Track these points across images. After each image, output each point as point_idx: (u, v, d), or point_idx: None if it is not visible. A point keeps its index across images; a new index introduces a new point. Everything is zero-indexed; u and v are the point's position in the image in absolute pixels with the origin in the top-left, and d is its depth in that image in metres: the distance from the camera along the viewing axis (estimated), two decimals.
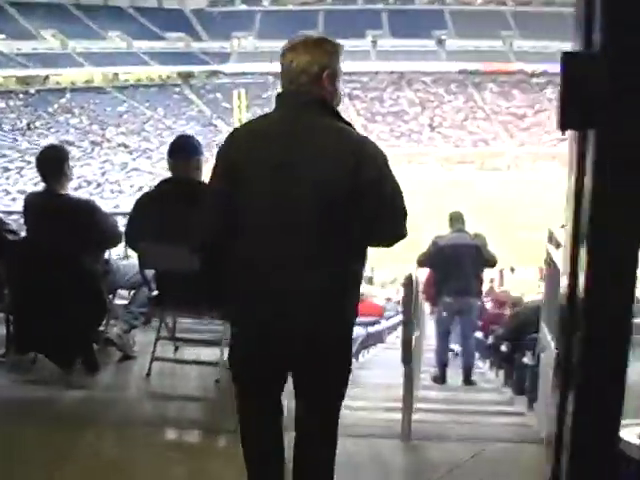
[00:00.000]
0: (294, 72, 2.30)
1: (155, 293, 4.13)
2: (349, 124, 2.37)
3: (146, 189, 40.94)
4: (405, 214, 2.34)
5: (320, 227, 2.21)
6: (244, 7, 65.65)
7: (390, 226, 2.33)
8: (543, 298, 4.65)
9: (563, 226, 4.55)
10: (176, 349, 4.63)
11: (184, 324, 4.81)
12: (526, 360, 5.23)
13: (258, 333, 2.34)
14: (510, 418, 5.04)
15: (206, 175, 3.84)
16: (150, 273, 4.27)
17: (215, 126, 53.75)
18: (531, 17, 63.99)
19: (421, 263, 7.23)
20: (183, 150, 3.97)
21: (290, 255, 2.23)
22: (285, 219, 2.23)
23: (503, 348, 6.35)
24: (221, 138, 50.63)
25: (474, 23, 62.40)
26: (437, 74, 61.11)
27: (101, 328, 4.57)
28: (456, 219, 7.24)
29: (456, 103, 58.96)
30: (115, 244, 4.51)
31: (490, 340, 7.86)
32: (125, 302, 4.97)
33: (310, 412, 2.47)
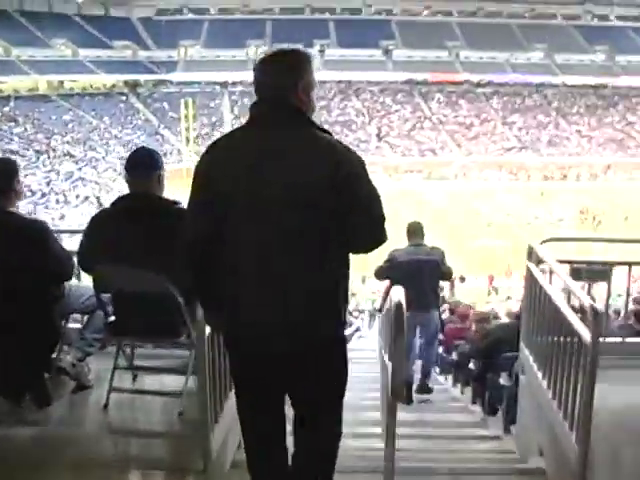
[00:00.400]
0: (269, 83, 2.35)
1: (112, 318, 3.83)
2: (326, 131, 2.40)
3: (93, 199, 40.08)
4: (383, 219, 2.37)
5: (301, 232, 2.26)
6: (191, 16, 65.90)
7: (368, 232, 2.35)
8: (522, 318, 4.51)
9: (544, 242, 4.35)
10: (134, 377, 4.30)
11: (144, 350, 4.51)
12: (502, 381, 5.11)
13: (248, 335, 2.39)
14: (489, 443, 4.91)
15: (169, 190, 3.88)
16: (106, 296, 3.93)
17: (162, 135, 53.54)
18: (477, 28, 65.85)
19: (379, 276, 7.10)
20: (142, 165, 3.67)
21: (274, 260, 2.28)
22: (267, 226, 2.27)
23: (472, 366, 6.22)
24: (168, 148, 50.60)
25: (421, 33, 63.98)
26: (384, 84, 62.39)
27: (53, 356, 4.21)
28: (414, 231, 7.06)
29: (403, 113, 60.02)
30: (68, 278, 4.13)
31: (454, 356, 7.70)
32: (79, 326, 4.60)
33: (310, 422, 2.54)
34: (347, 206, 2.28)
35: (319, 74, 58.44)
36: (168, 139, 53.18)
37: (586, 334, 3.06)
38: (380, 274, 7.06)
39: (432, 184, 47.62)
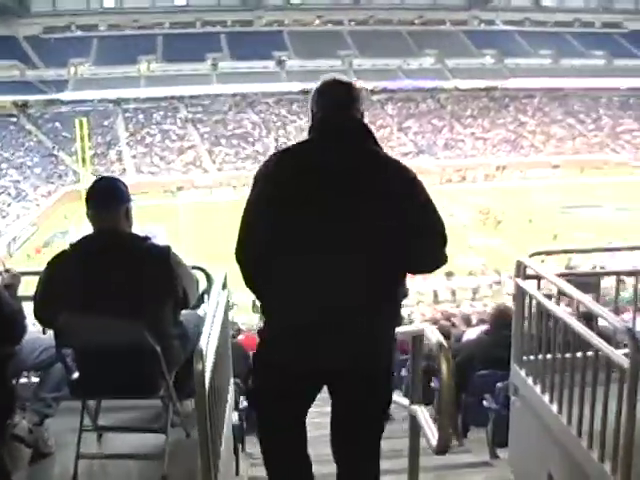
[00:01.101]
0: (335, 100, 3.23)
1: (75, 375, 3.99)
2: (381, 147, 3.20)
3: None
4: (446, 241, 3.05)
5: (369, 258, 2.95)
6: (80, 33, 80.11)
7: (434, 254, 3.06)
8: (514, 337, 5.29)
9: (532, 255, 5.51)
10: (100, 436, 4.55)
11: (107, 402, 4.61)
12: (486, 403, 5.89)
13: (304, 349, 3.03)
14: (484, 473, 5.68)
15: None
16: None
17: (56, 157, 66.22)
18: (368, 36, 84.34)
19: None
20: (108, 197, 3.96)
21: (338, 281, 2.94)
22: (334, 250, 2.95)
23: (435, 384, 6.85)
24: (63, 169, 64.94)
25: (313, 43, 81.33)
26: (279, 95, 78.98)
27: (6, 422, 4.21)
28: None
29: (300, 123, 75.80)
30: (19, 340, 4.21)
31: (404, 372, 8.84)
32: (34, 381, 4.90)
33: (351, 440, 3.32)
34: (414, 232, 2.95)
35: (212, 87, 74.46)
36: (63, 160, 65.49)
37: (621, 359, 3.61)
38: None
39: None
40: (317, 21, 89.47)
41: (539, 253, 6.15)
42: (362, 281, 2.98)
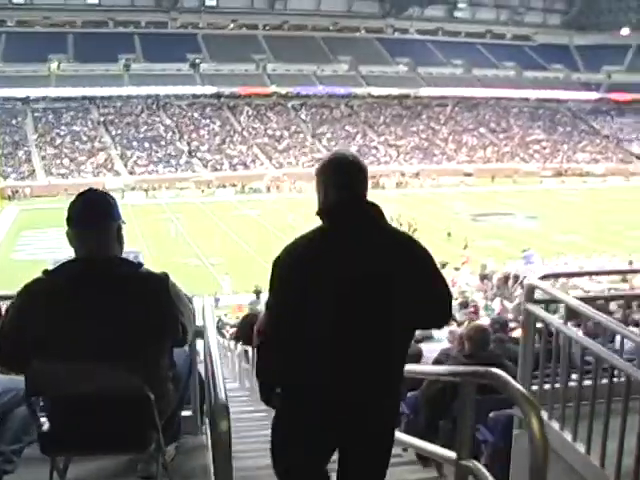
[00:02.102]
0: (351, 177, 3.28)
1: (46, 426, 3.40)
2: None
3: None
4: (451, 299, 3.36)
5: (387, 331, 3.16)
6: None
7: (441, 314, 3.36)
8: (521, 367, 5.13)
9: (543, 277, 5.34)
10: None
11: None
12: (481, 436, 5.67)
13: (327, 419, 3.20)
14: None
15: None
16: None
17: None
18: (283, 41, 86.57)
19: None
20: (97, 214, 3.33)
21: (359, 351, 3.15)
22: (352, 331, 3.13)
23: (406, 413, 6.82)
24: None
25: (227, 47, 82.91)
26: (192, 98, 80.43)
27: None
28: None
29: (213, 127, 77.82)
30: None
31: None
32: None
33: None
34: (426, 294, 3.18)
35: (125, 89, 75.15)
36: None
37: None
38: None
39: (245, 198, 61.18)
40: (232, 25, 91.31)
41: (548, 276, 6.08)
42: (383, 364, 3.27)
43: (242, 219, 52.64)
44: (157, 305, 3.31)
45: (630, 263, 36.64)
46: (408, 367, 3.79)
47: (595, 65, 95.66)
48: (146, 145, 73.47)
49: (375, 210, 3.34)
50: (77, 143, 71.68)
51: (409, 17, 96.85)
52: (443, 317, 3.43)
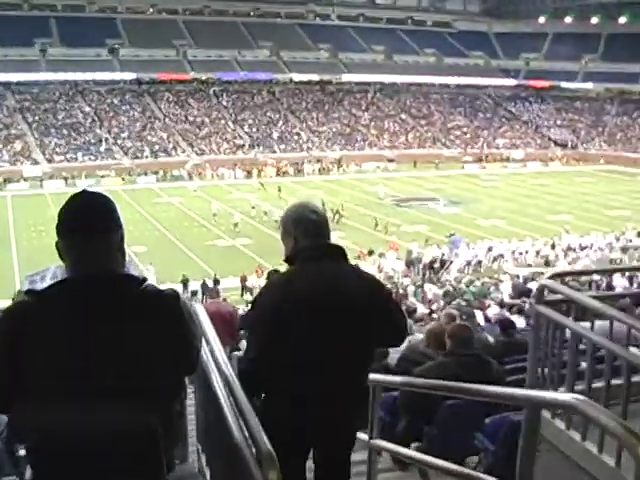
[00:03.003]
0: (317, 227, 3.79)
1: (29, 474, 2.92)
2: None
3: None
4: (406, 324, 4.03)
5: (355, 354, 3.73)
6: None
7: (399, 337, 4.01)
8: (530, 371, 5.14)
9: (552, 277, 5.34)
10: None
11: None
12: (480, 443, 5.48)
13: (309, 426, 3.69)
14: None
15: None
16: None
17: None
18: (204, 26, 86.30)
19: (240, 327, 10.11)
20: (98, 221, 2.79)
21: (333, 377, 3.65)
22: (329, 354, 3.61)
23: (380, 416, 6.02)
24: None
25: (147, 32, 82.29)
26: (112, 84, 79.45)
27: None
28: None
29: (133, 113, 77.28)
30: None
31: None
32: None
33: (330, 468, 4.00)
34: (385, 320, 3.73)
35: (41, 75, 73.80)
36: None
37: None
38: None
39: (166, 185, 61.70)
40: (151, 9, 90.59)
41: (558, 275, 5.99)
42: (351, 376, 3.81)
43: (164, 207, 52.83)
44: (170, 329, 2.76)
45: (552, 246, 38.16)
46: (449, 383, 4.32)
47: (514, 52, 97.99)
48: (64, 132, 72.59)
49: (341, 252, 3.84)
50: None
51: (330, 3, 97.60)
52: (400, 339, 4.08)
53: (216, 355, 3.76)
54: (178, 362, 2.86)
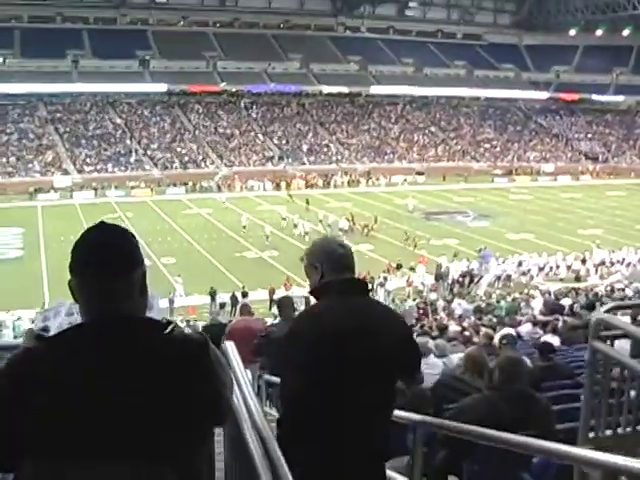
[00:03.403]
0: (343, 261, 3.76)
1: None
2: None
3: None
4: (420, 359, 4.06)
5: (385, 393, 3.66)
6: None
7: (416, 376, 4.03)
8: (585, 413, 4.73)
9: (609, 310, 4.98)
10: None
11: None
12: None
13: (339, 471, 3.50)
14: None
15: None
16: None
17: None
18: (234, 38, 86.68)
19: (255, 353, 9.59)
20: (114, 257, 2.42)
21: (362, 419, 3.55)
22: (358, 396, 3.50)
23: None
24: None
25: (178, 44, 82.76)
26: (142, 95, 79.84)
27: None
28: (286, 305, 9.71)
29: (163, 125, 77.65)
30: None
31: None
32: None
33: None
34: (409, 361, 3.76)
35: (73, 86, 74.49)
36: None
37: None
38: (255, 350, 9.55)
39: (196, 197, 61.79)
40: (182, 22, 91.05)
41: (614, 308, 5.74)
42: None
43: (193, 218, 52.97)
44: (197, 380, 2.39)
45: (583, 261, 37.77)
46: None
47: (544, 65, 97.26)
48: (95, 143, 72.97)
49: (366, 286, 3.84)
50: (24, 141, 70.70)
51: (360, 15, 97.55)
52: (412, 378, 4.06)
53: (248, 402, 3.47)
54: (206, 415, 2.47)
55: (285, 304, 9.92)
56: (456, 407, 5.81)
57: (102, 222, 2.54)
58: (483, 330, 11.33)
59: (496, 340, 11.39)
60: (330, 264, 3.75)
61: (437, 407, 6.33)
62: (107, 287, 2.37)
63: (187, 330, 2.66)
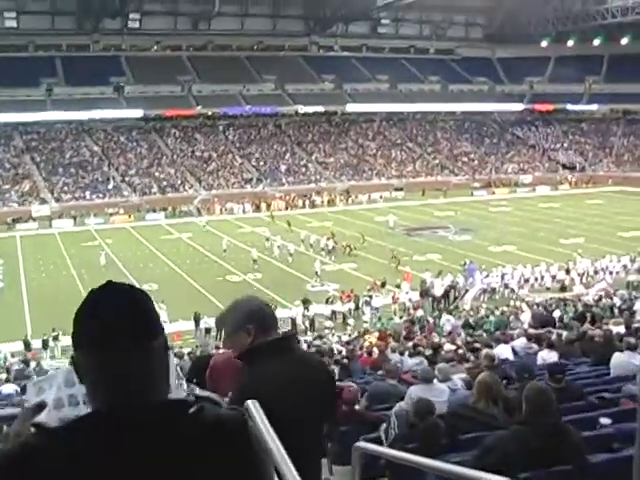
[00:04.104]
0: (272, 320, 3.78)
1: None
2: None
3: None
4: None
5: (318, 431, 3.82)
6: None
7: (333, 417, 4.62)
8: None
9: None
10: None
11: None
12: None
13: None
14: None
15: None
16: None
17: None
18: (207, 61, 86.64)
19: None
20: (130, 327, 1.90)
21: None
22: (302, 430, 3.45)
23: None
24: None
25: (152, 69, 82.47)
26: (118, 121, 79.51)
27: None
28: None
29: (140, 150, 77.37)
30: None
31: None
32: None
33: None
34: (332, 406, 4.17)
35: (48, 114, 74.07)
36: None
37: None
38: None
39: (175, 222, 61.40)
40: (155, 46, 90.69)
41: None
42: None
43: (174, 243, 52.62)
44: (237, 471, 1.95)
45: (567, 271, 37.78)
46: None
47: (518, 77, 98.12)
48: (72, 171, 72.62)
49: (294, 340, 3.96)
50: (0, 171, 70.30)
51: (333, 34, 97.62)
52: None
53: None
54: None
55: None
56: (482, 446, 5.27)
57: (111, 283, 2.02)
58: (484, 351, 10.99)
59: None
60: (260, 324, 3.64)
61: (452, 438, 6.07)
62: (124, 365, 1.88)
63: (219, 407, 2.27)
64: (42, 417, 2.11)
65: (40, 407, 2.09)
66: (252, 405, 3.08)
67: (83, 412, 2.08)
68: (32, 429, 1.95)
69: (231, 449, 1.94)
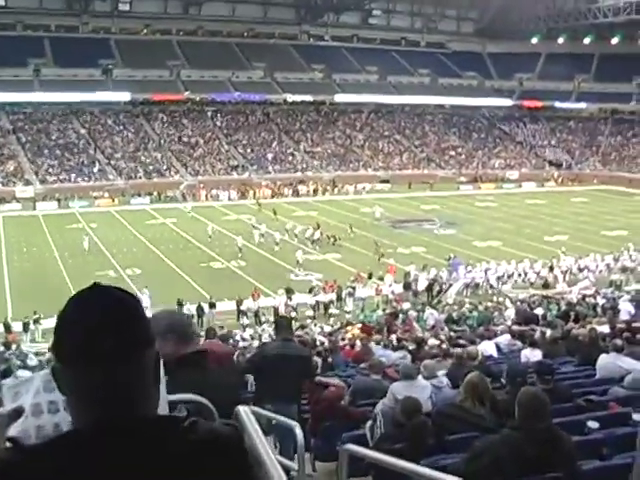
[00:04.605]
0: (192, 331, 3.97)
1: None
2: None
3: None
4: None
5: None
6: None
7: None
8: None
9: None
10: None
11: None
12: None
13: None
14: None
15: None
16: None
17: None
18: (197, 47, 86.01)
19: (246, 369, 9.91)
20: (120, 336, 1.69)
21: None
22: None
23: None
24: None
25: (141, 53, 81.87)
26: (105, 104, 78.90)
27: None
28: (282, 326, 9.58)
29: (127, 134, 76.90)
30: None
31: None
32: None
33: None
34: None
35: (35, 95, 73.40)
36: None
37: None
38: (248, 367, 9.74)
39: (160, 207, 61.00)
40: (145, 30, 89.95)
41: None
42: None
43: (158, 228, 52.24)
44: None
45: (551, 268, 37.79)
46: None
47: (507, 72, 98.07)
48: (58, 153, 72.05)
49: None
50: None
51: (324, 24, 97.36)
52: None
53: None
54: None
55: (282, 325, 9.52)
56: (471, 450, 5.08)
57: (97, 285, 1.75)
58: (470, 347, 10.90)
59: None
60: (181, 335, 3.61)
61: (439, 437, 6.01)
62: (112, 378, 1.67)
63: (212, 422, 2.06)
64: (18, 424, 1.91)
65: (17, 413, 1.88)
66: (242, 410, 2.98)
67: (63, 420, 1.93)
68: (7, 444, 1.73)
69: (225, 468, 1.76)
